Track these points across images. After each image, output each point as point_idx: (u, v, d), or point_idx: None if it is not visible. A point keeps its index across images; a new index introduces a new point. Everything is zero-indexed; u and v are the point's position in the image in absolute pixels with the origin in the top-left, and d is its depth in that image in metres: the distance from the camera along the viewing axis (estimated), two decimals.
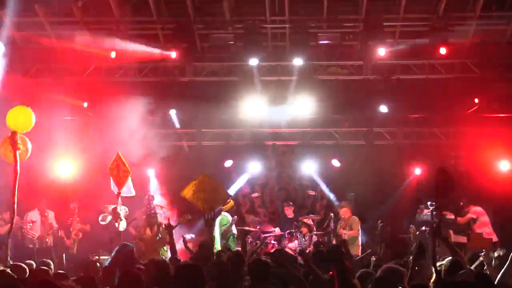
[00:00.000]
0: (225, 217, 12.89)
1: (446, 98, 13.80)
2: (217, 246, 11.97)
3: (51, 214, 13.09)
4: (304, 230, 13.39)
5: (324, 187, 15.27)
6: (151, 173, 14.87)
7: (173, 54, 13.14)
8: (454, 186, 6.46)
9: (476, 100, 14.05)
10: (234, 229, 12.97)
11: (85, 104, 14.20)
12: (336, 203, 14.75)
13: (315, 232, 13.36)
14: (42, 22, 13.06)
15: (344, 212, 13.24)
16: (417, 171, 14.80)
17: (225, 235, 12.70)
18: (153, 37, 13.55)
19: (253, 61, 13.30)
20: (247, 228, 13.51)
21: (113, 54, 13.00)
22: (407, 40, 13.73)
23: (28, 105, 9.07)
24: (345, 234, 12.71)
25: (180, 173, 14.33)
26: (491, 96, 13.70)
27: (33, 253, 11.69)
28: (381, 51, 13.02)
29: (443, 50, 12.77)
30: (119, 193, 10.10)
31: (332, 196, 15.17)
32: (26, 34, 13.32)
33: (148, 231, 11.31)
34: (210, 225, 6.88)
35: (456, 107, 14.06)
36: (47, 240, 12.60)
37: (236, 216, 13.10)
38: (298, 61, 13.44)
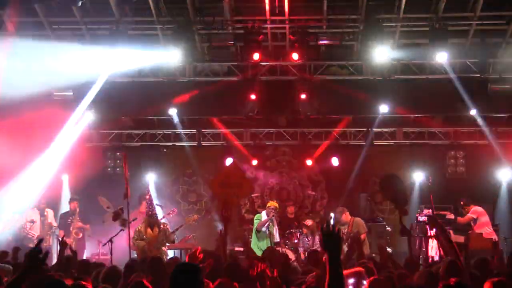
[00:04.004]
0: (259, 215, 12.83)
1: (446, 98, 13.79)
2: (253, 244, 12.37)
3: (50, 214, 13.09)
4: (306, 230, 13.33)
5: None
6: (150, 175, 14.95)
7: (173, 54, 13.12)
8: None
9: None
10: (276, 236, 12.61)
11: None
12: None
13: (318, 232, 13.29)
14: (42, 22, 13.08)
15: (345, 216, 12.85)
16: (417, 171, 14.76)
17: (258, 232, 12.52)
18: (153, 37, 13.55)
19: (256, 56, 13.14)
20: None
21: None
22: (407, 40, 13.71)
23: None
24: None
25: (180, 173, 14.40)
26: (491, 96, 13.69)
27: None
28: (381, 51, 12.99)
29: (443, 52, 12.72)
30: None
31: None
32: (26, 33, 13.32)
33: (149, 230, 11.30)
34: (226, 221, 6.74)
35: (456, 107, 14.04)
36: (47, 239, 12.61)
37: (272, 215, 12.46)
38: (297, 60, 13.41)
